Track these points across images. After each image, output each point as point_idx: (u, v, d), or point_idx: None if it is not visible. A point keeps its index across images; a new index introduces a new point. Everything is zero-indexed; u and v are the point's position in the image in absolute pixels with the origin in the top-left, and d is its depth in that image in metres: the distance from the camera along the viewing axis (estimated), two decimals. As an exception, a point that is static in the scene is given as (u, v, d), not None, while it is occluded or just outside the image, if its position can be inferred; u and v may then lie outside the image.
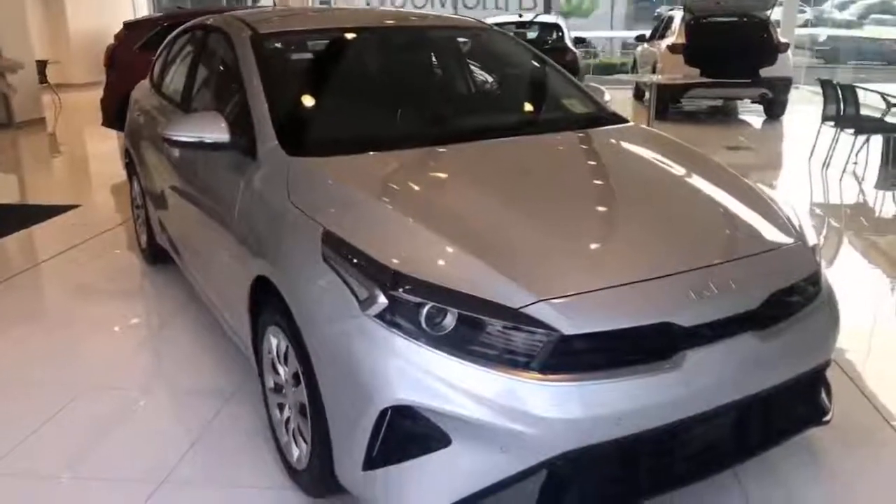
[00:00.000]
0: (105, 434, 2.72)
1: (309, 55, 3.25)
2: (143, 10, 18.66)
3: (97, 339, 3.59)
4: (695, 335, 1.88)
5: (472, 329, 1.81)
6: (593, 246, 2.08)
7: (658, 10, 41.23)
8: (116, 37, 8.64)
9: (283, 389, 2.34)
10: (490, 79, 3.48)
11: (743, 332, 1.95)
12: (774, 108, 10.15)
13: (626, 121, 3.08)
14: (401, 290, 1.85)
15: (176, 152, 3.25)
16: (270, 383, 2.44)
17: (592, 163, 2.74)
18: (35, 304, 4.20)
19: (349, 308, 1.91)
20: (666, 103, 9.98)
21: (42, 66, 11.46)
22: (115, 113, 7.75)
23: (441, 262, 1.93)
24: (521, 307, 1.80)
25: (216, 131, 2.59)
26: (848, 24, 29.94)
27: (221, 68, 3.17)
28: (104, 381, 3.12)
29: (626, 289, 1.87)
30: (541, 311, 1.79)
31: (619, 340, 1.82)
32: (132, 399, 2.98)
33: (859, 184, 6.63)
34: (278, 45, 3.07)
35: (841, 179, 6.70)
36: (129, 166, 4.57)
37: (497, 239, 2.00)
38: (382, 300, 1.86)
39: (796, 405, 2.19)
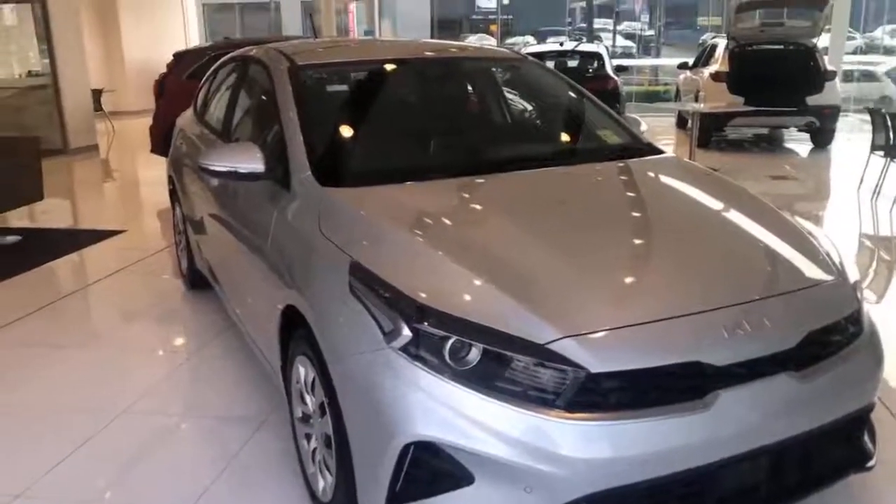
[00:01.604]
0: (135, 461, 2.75)
1: (345, 86, 3.30)
2: (196, 40, 19.30)
3: (135, 362, 3.66)
4: (727, 375, 1.82)
5: (496, 364, 1.79)
6: (623, 281, 2.03)
7: (702, 38, 40.99)
8: (167, 66, 8.92)
9: (310, 420, 2.33)
10: (525, 109, 3.47)
11: (778, 372, 1.89)
12: (822, 137, 9.92)
13: (662, 152, 3.04)
14: (425, 323, 1.84)
15: (214, 181, 3.32)
16: (298, 413, 2.44)
17: (626, 195, 2.70)
18: (78, 327, 4.30)
19: (374, 340, 1.91)
20: (709, 132, 9.85)
21: (97, 94, 11.89)
22: (162, 140, 7.98)
23: (467, 296, 1.92)
24: (546, 343, 1.77)
25: (251, 161, 2.64)
26: (901, 51, 29.30)
27: (260, 99, 3.23)
28: (139, 405, 3.17)
29: (655, 326, 1.83)
30: (567, 348, 1.76)
31: (648, 379, 1.78)
32: (164, 425, 3.01)
33: (910, 215, 6.41)
34: (315, 76, 3.12)
35: (891, 210, 6.50)
36: (173, 193, 4.68)
37: (525, 273, 1.98)
38: (407, 333, 1.85)
39: (836, 450, 2.09)
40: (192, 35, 19.67)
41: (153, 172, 8.94)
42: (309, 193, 2.50)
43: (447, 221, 2.32)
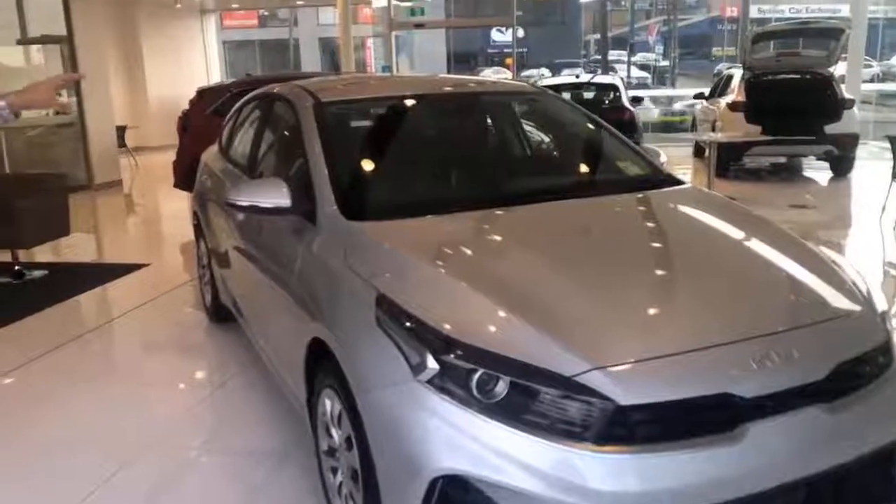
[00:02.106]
0: (159, 495, 2.76)
1: (368, 122, 3.37)
2: (217, 77, 19.70)
3: (160, 395, 3.69)
4: (757, 407, 1.81)
5: (524, 397, 1.80)
6: (650, 312, 2.04)
7: (717, 68, 41.20)
8: (190, 102, 9.11)
9: (336, 453, 2.34)
10: (545, 142, 3.51)
11: (809, 404, 1.87)
12: (841, 166, 9.88)
13: (683, 182, 3.06)
14: (452, 355, 1.86)
15: (239, 215, 3.37)
16: (324, 446, 2.45)
17: (648, 226, 2.72)
18: (102, 361, 4.35)
19: (401, 373, 1.92)
20: (727, 161, 9.84)
21: (121, 131, 12.15)
22: (185, 175, 8.12)
23: (494, 328, 1.93)
24: (574, 375, 1.77)
25: (278, 196, 2.68)
26: (918, 78, 29.24)
27: (285, 135, 3.30)
28: (162, 439, 3.19)
29: (684, 357, 1.83)
30: (595, 380, 1.76)
31: (677, 411, 1.77)
32: (188, 459, 3.03)
33: (935, 244, 6.35)
34: (339, 112, 3.18)
35: (915, 240, 6.44)
36: (197, 227, 4.75)
37: (551, 304, 1.99)
38: (433, 366, 1.86)
39: (868, 484, 2.06)
40: (213, 72, 20.09)
41: (175, 206, 9.09)
42: (335, 227, 2.54)
43: (472, 254, 2.34)
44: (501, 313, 1.96)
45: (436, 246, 2.38)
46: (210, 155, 4.69)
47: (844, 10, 40.77)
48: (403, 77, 5.55)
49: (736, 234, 2.56)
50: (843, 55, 10.07)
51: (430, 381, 1.86)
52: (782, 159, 11.23)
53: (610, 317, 1.97)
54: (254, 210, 2.72)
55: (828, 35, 9.98)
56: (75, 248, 7.02)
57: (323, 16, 38.20)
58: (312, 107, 3.09)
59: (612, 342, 1.87)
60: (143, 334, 4.68)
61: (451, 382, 1.84)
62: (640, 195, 2.88)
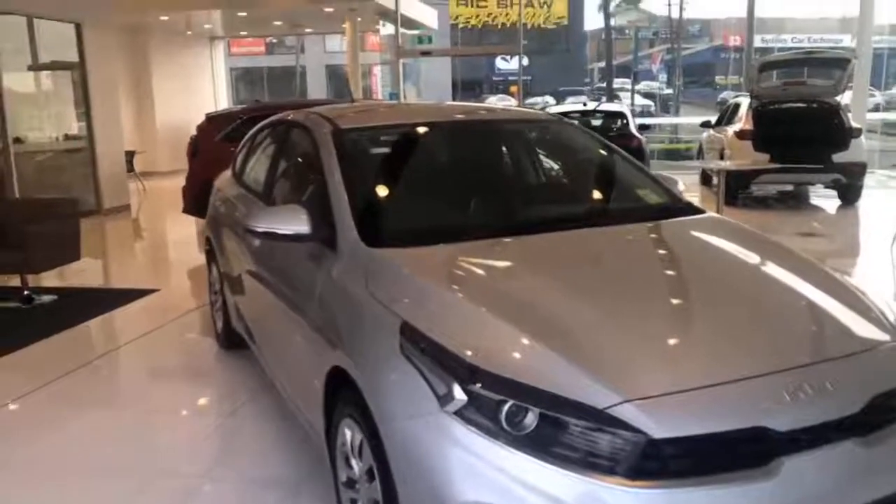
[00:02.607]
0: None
1: (387, 149, 3.36)
2: (224, 103, 19.85)
3: (168, 423, 3.65)
4: (791, 441, 1.78)
5: (553, 429, 1.76)
6: (679, 343, 2.01)
7: (721, 96, 41.46)
8: (199, 128, 9.16)
9: (357, 485, 2.30)
10: (563, 170, 3.50)
11: (844, 438, 1.83)
12: (849, 194, 9.88)
13: (702, 211, 3.04)
14: (481, 386, 1.83)
15: (256, 241, 3.36)
16: (343, 477, 2.41)
17: (673, 255, 2.69)
18: (112, 388, 4.32)
19: (427, 403, 1.89)
20: (735, 189, 9.84)
21: (130, 156, 12.21)
22: (195, 200, 8.14)
23: (522, 359, 1.90)
24: (606, 408, 1.74)
25: (298, 223, 2.67)
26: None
27: (303, 162, 3.30)
28: (172, 467, 3.14)
29: (716, 389, 1.79)
30: (627, 413, 1.73)
31: (711, 445, 1.73)
32: (197, 488, 2.98)
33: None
34: (358, 140, 3.19)
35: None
36: (209, 253, 4.74)
37: (579, 334, 1.97)
38: (461, 396, 1.83)
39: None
40: (220, 98, 20.26)
41: (183, 232, 9.10)
42: (356, 254, 2.53)
43: (496, 282, 2.32)
44: (529, 343, 1.94)
45: (459, 274, 2.36)
46: (223, 181, 4.69)
47: (846, 41, 41.21)
48: (418, 105, 5.58)
49: (761, 263, 2.54)
50: (850, 84, 10.10)
51: (457, 413, 1.83)
52: (789, 187, 11.24)
53: (639, 347, 1.94)
54: (273, 237, 2.70)
55: (834, 65, 10.04)
56: (84, 273, 7.00)
57: (330, 43, 38.66)
58: (331, 133, 3.09)
59: (642, 373, 1.83)
60: (152, 361, 4.64)
61: (478, 413, 1.81)
62: (661, 223, 2.87)
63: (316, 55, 38.90)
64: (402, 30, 15.96)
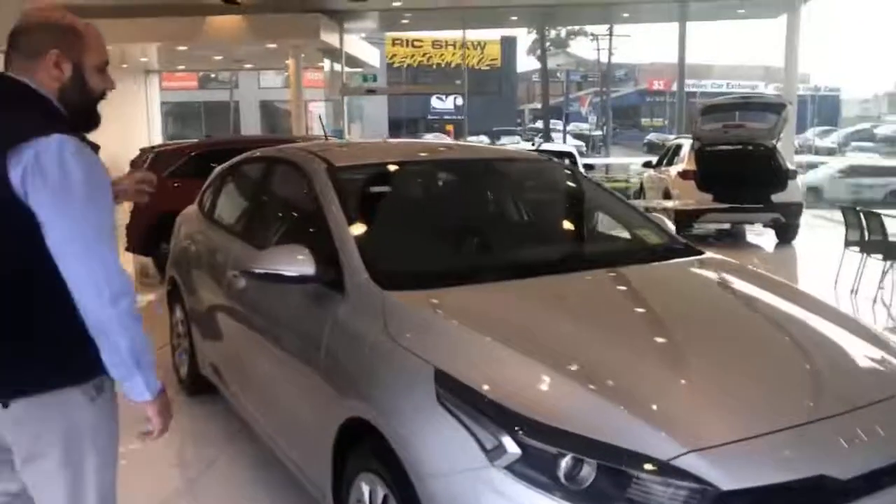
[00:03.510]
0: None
1: (386, 187, 3.26)
2: (158, 138, 19.32)
3: (130, 483, 3.36)
4: (850, 489, 1.75)
5: (613, 483, 1.68)
6: (730, 389, 1.96)
7: (648, 138, 42.94)
8: (133, 163, 8.80)
9: (379, 545, 2.14)
10: (566, 210, 3.47)
11: (894, 483, 1.82)
12: (787, 233, 10.31)
13: (701, 251, 3.05)
14: (535, 439, 1.73)
15: (241, 283, 3.18)
16: (360, 536, 2.25)
17: (699, 298, 2.67)
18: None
19: (473, 458, 1.78)
20: (679, 227, 10.10)
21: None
22: (142, 238, 7.80)
23: (575, 408, 1.82)
24: (670, 459, 1.67)
25: (301, 264, 2.53)
26: (829, 151, 31.31)
27: (294, 200, 3.16)
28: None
29: (778, 437, 1.75)
30: (693, 464, 1.66)
31: (778, 496, 1.68)
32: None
33: (889, 310, 6.59)
34: (355, 177, 3.08)
35: (874, 307, 6.67)
36: (172, 294, 4.49)
37: (629, 382, 1.90)
38: (514, 450, 1.73)
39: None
40: (154, 132, 19.73)
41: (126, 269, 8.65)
42: (369, 297, 2.40)
43: (530, 327, 2.22)
44: (580, 391, 1.86)
45: (489, 317, 2.26)
46: (188, 219, 4.47)
47: (760, 87, 43.52)
48: (401, 141, 5.50)
49: (787, 307, 2.52)
50: (784, 128, 10.61)
51: (509, 467, 1.73)
52: (727, 226, 11.64)
53: (692, 394, 1.89)
54: (276, 279, 2.55)
55: (771, 109, 10.54)
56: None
57: (264, 80, 38.33)
58: (326, 171, 2.97)
59: (701, 421, 1.78)
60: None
61: (533, 468, 1.72)
62: (673, 264, 2.86)
63: (250, 90, 38.47)
64: (346, 69, 15.98)
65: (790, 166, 10.45)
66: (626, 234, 3.28)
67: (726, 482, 1.65)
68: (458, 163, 3.39)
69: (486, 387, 1.87)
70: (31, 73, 1.69)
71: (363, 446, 2.19)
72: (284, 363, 2.78)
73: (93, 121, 1.80)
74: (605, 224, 3.35)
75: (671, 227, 3.35)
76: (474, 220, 3.10)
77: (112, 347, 1.66)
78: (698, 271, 2.85)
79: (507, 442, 1.75)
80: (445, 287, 2.43)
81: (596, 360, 1.99)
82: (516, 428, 1.76)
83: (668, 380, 1.95)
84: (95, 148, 1.71)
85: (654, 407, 1.81)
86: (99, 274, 1.61)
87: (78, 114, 1.74)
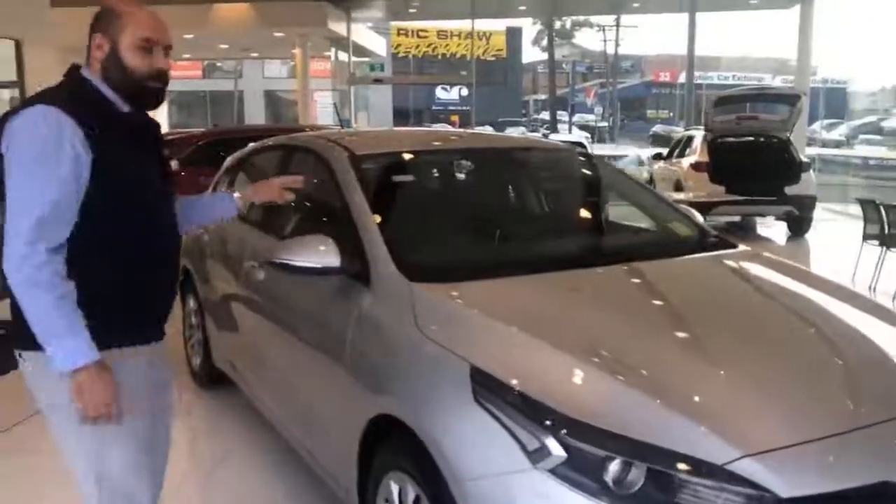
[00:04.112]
0: None
1: (410, 176, 3.16)
2: (163, 126, 19.22)
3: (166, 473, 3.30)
4: None
5: (662, 487, 1.60)
6: (784, 389, 1.86)
7: (653, 129, 42.76)
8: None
9: (410, 545, 2.06)
10: (596, 201, 3.37)
11: None
12: (800, 226, 10.20)
13: (734, 244, 2.95)
14: (582, 441, 1.65)
15: (260, 274, 3.10)
16: (388, 535, 2.17)
17: (739, 295, 2.55)
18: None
19: (514, 460, 1.70)
20: (692, 220, 10.00)
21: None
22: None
23: (624, 409, 1.73)
24: (725, 463, 1.59)
25: (325, 255, 2.45)
26: (837, 144, 31.12)
27: (315, 189, 3.07)
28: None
29: (837, 441, 1.67)
30: (749, 468, 1.58)
31: (837, 503, 1.60)
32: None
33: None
34: (378, 166, 2.99)
35: (894, 302, 6.56)
36: (185, 284, 4.41)
37: (675, 380, 1.81)
38: (559, 453, 1.65)
39: None
40: (160, 121, 19.61)
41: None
42: (397, 290, 2.32)
43: (569, 322, 2.13)
44: (627, 391, 1.77)
45: (525, 312, 2.17)
46: (202, 208, 4.38)
47: (767, 79, 43.22)
48: (420, 130, 5.38)
49: (833, 305, 2.41)
50: (798, 120, 10.47)
51: (553, 470, 1.65)
52: (737, 218, 11.54)
53: (744, 394, 1.80)
54: (299, 271, 2.46)
55: (784, 101, 10.41)
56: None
57: (269, 68, 38.18)
58: (349, 159, 2.88)
59: (756, 423, 1.69)
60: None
61: (578, 471, 1.63)
62: (712, 258, 2.75)
63: (255, 80, 38.32)
64: (353, 58, 15.85)
65: (803, 158, 10.33)
66: (654, 226, 3.19)
67: (785, 489, 1.56)
68: (481, 151, 3.29)
69: (526, 385, 1.78)
70: (87, 58, 1.83)
71: (393, 444, 2.11)
72: (306, 356, 2.70)
73: (141, 100, 1.84)
74: (632, 215, 3.24)
75: (700, 218, 3.26)
76: (500, 211, 3.01)
77: (25, 313, 1.70)
78: (734, 265, 2.75)
79: (552, 444, 1.67)
80: (474, 279, 2.34)
81: (640, 359, 1.91)
82: (558, 428, 1.67)
83: (716, 381, 1.86)
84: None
85: (705, 408, 1.72)
86: (11, 240, 1.67)
87: (124, 92, 1.81)
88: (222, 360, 3.87)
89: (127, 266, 1.81)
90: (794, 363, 1.99)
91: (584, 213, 3.29)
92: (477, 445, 1.79)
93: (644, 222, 3.22)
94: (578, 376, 1.84)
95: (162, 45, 1.83)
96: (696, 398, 1.76)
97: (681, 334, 2.11)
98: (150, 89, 1.82)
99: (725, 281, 2.67)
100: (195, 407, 4.10)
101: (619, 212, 3.25)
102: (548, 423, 1.69)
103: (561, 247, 2.84)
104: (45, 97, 1.75)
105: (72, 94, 1.78)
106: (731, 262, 2.75)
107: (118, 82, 1.80)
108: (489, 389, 1.82)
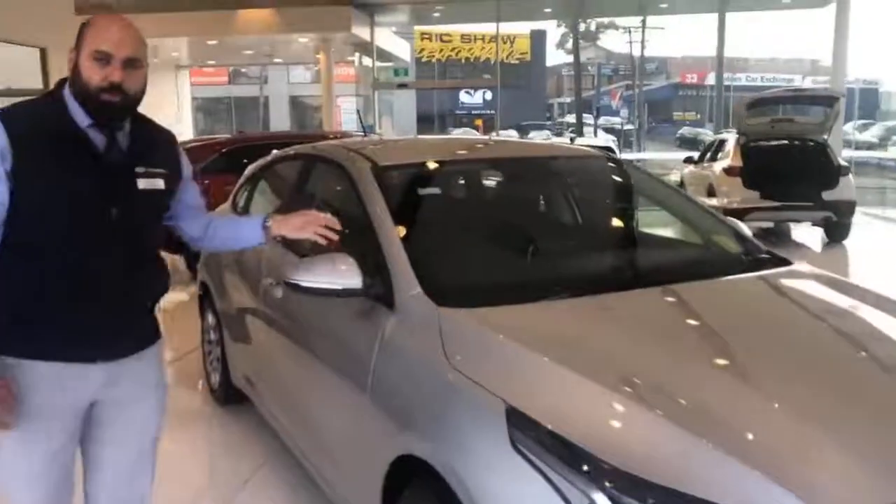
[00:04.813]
0: None
1: (437, 189, 2.97)
2: (189, 133, 19.29)
3: (158, 501, 3.15)
4: None
5: None
6: (860, 441, 1.62)
7: (680, 132, 42.07)
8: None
9: None
10: (634, 214, 3.15)
11: None
12: (838, 232, 9.85)
13: (788, 261, 2.72)
14: (635, 497, 1.45)
15: (279, 292, 2.94)
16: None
17: (801, 324, 2.29)
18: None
19: (556, 513, 1.50)
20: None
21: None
22: (172, 235, 7.61)
23: (681, 460, 1.52)
24: None
25: (347, 276, 2.27)
26: (870, 146, 30.38)
27: (335, 202, 2.90)
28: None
29: None
30: None
31: None
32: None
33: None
34: (402, 178, 2.80)
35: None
36: (204, 298, 4.27)
37: (740, 426, 1.60)
38: (607, 508, 1.45)
39: None
40: (185, 128, 19.69)
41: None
42: (423, 315, 2.13)
43: (616, 355, 1.91)
44: (682, 438, 1.56)
45: (562, 341, 1.96)
46: (220, 219, 4.23)
47: (797, 81, 42.46)
48: (448, 138, 5.20)
49: None
50: (836, 123, 10.13)
51: None
52: (770, 224, 11.19)
53: (819, 443, 1.58)
54: (319, 292, 2.28)
55: (821, 102, 10.07)
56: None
57: (293, 74, 38.34)
58: (371, 171, 2.69)
59: (839, 480, 1.47)
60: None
61: None
62: (764, 277, 2.51)
63: (280, 86, 38.50)
64: (377, 63, 15.73)
65: (842, 162, 9.97)
66: (698, 239, 2.96)
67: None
68: (514, 161, 3.08)
69: (570, 429, 1.58)
70: None
71: (420, 486, 1.92)
72: (327, 381, 2.53)
73: (99, 113, 1.80)
74: (668, 221, 3.00)
75: (748, 232, 3.03)
76: (532, 226, 2.80)
77: None
78: (793, 287, 2.51)
79: (600, 499, 1.47)
80: (507, 304, 2.14)
81: (699, 401, 1.69)
82: (608, 482, 1.47)
83: (788, 424, 1.64)
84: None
85: (772, 459, 1.51)
86: None
87: (84, 105, 1.80)
88: (239, 379, 3.72)
89: (34, 277, 1.78)
90: (873, 410, 1.75)
91: (623, 229, 3.05)
92: (514, 495, 1.60)
93: (685, 234, 2.99)
94: (631, 420, 1.64)
95: (119, 57, 1.77)
96: (764, 448, 1.54)
97: (747, 370, 1.88)
98: (105, 102, 1.78)
99: (782, 307, 2.42)
100: (213, 427, 3.95)
101: (655, 218, 3.02)
102: (596, 475, 1.49)
103: (600, 267, 2.63)
104: (10, 105, 1.82)
105: (33, 103, 1.86)
106: (789, 283, 2.51)
107: (77, 94, 1.80)
108: (528, 435, 1.62)
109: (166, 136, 2.05)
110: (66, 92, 1.82)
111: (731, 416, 1.64)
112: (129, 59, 1.79)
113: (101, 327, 1.85)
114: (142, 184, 1.88)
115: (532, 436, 1.61)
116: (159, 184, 1.92)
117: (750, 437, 1.59)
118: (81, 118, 1.80)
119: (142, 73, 1.84)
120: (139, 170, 1.88)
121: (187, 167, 2.08)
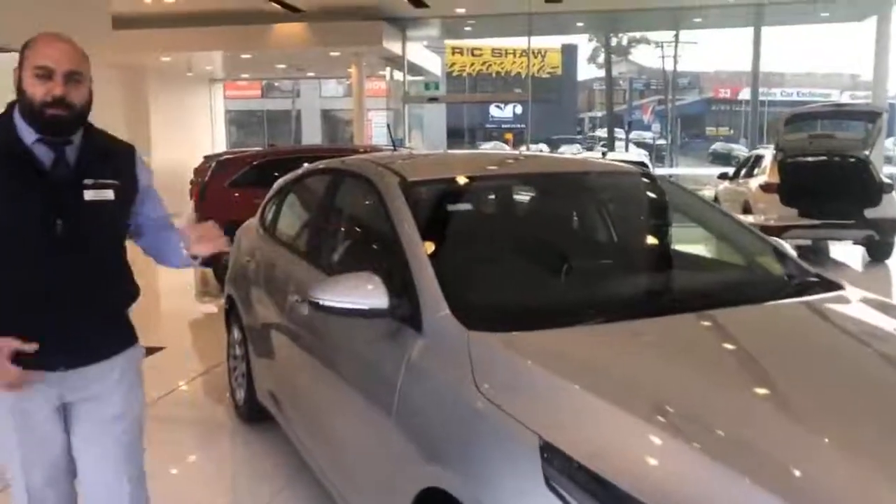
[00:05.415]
0: None
1: (468, 206, 2.88)
2: (221, 146, 19.50)
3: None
4: None
5: None
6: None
7: (713, 147, 41.51)
8: (196, 170, 8.64)
9: None
10: (673, 234, 3.02)
11: None
12: (881, 251, 9.54)
13: (840, 285, 2.56)
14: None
15: (305, 309, 2.86)
16: None
17: (854, 355, 2.12)
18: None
19: (593, 560, 1.39)
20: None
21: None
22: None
23: (718, 498, 1.40)
24: None
25: (373, 296, 2.18)
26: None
27: (364, 219, 2.83)
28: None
29: None
30: None
31: None
32: None
33: None
34: (432, 194, 2.72)
35: None
36: (230, 313, 4.22)
37: (791, 463, 1.48)
38: (651, 557, 1.33)
39: None
40: (218, 141, 19.91)
41: (180, 280, 8.51)
42: (452, 339, 2.03)
43: (656, 386, 1.79)
44: (728, 476, 1.44)
45: (602, 371, 1.85)
46: (248, 234, 4.20)
47: (834, 96, 41.72)
48: (479, 153, 5.11)
49: None
50: (878, 139, 9.85)
51: None
52: (808, 242, 10.90)
53: (872, 481, 1.45)
54: (344, 312, 2.20)
55: (862, 118, 9.80)
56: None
57: (325, 88, 38.68)
58: (400, 186, 2.61)
59: None
60: (161, 435, 4.06)
61: None
62: (815, 302, 2.36)
63: (312, 99, 38.84)
64: (408, 77, 15.76)
65: (885, 179, 9.68)
66: (740, 261, 2.82)
67: None
68: (546, 177, 2.97)
69: (609, 468, 1.47)
70: None
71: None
72: (352, 403, 2.44)
73: (45, 128, 1.84)
74: (731, 252, 2.86)
75: (793, 253, 2.88)
76: (566, 246, 2.68)
77: None
78: (845, 313, 2.36)
79: (639, 544, 1.35)
80: (541, 328, 2.04)
81: (753, 435, 1.57)
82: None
83: (841, 463, 1.51)
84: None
85: (828, 502, 1.38)
86: None
87: (31, 122, 1.84)
88: (264, 395, 3.65)
89: None
90: None
91: (660, 248, 2.92)
92: (548, 540, 1.49)
93: (725, 254, 2.85)
94: (666, 454, 1.52)
95: (60, 71, 1.82)
96: (815, 489, 1.42)
97: (800, 404, 1.75)
98: (51, 116, 1.82)
99: (837, 335, 2.26)
100: (237, 445, 3.89)
101: (692, 235, 2.88)
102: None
103: (636, 290, 2.50)
104: None
105: None
106: (841, 310, 2.36)
107: (23, 112, 1.85)
108: (564, 473, 1.51)
109: (122, 147, 2.08)
110: (16, 111, 1.87)
111: (791, 459, 1.51)
112: (71, 72, 1.83)
113: (57, 337, 1.89)
114: (89, 195, 1.91)
115: (568, 474, 1.50)
116: (108, 194, 1.95)
117: (797, 474, 1.46)
118: (28, 136, 1.85)
119: (85, 86, 1.88)
120: (87, 181, 1.91)
121: (145, 177, 2.10)
